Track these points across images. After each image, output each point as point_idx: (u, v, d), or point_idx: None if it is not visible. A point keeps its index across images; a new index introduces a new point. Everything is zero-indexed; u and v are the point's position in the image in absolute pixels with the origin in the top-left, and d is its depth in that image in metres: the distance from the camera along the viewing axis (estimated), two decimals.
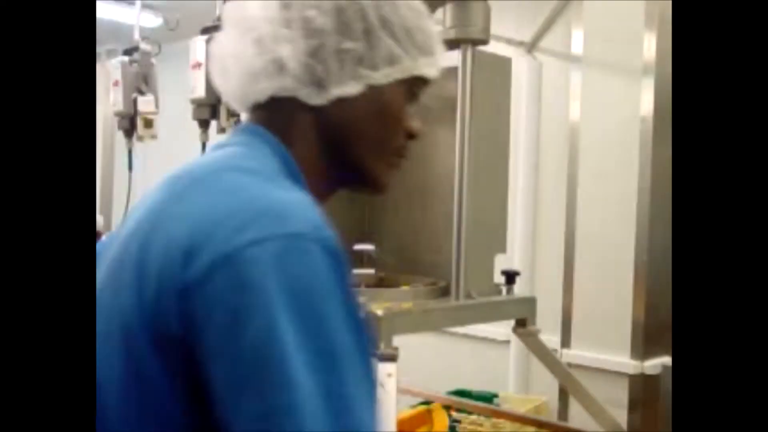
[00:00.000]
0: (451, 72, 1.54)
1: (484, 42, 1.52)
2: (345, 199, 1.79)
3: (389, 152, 0.93)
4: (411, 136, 0.94)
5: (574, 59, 3.50)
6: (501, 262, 1.65)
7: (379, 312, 1.40)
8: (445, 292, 1.58)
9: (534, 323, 1.67)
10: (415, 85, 0.92)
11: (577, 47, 3.48)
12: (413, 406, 2.09)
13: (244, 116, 0.94)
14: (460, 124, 1.52)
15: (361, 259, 1.66)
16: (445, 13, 1.51)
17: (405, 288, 1.58)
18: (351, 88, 0.87)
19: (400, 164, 0.95)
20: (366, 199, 1.76)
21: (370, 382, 0.73)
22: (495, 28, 3.96)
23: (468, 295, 1.56)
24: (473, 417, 2.93)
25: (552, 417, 3.48)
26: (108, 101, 3.58)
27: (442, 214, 1.58)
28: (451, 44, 1.53)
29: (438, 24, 1.57)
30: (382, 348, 1.39)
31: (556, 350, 3.60)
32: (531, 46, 3.68)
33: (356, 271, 1.65)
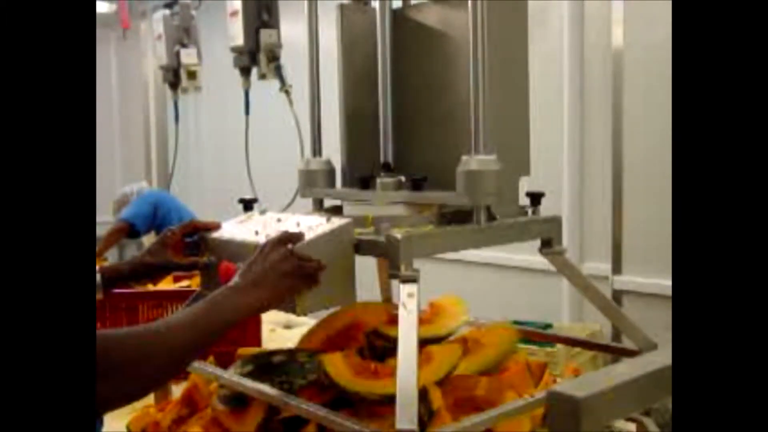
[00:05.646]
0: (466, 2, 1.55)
1: None
2: (367, 130, 1.82)
3: None
4: None
5: None
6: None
7: (398, 235, 1.43)
8: (470, 217, 1.60)
9: (560, 243, 1.68)
10: None
11: None
12: None
13: None
14: (473, 52, 1.53)
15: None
16: None
17: (427, 213, 1.61)
18: None
19: None
20: (387, 129, 1.79)
21: None
22: None
23: (491, 218, 1.58)
24: (525, 347, 2.96)
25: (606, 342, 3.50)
26: (154, 56, 3.65)
27: (466, 140, 1.59)
28: None
29: None
30: (403, 270, 1.42)
31: (607, 277, 3.60)
32: None
33: (385, 199, 1.69)
